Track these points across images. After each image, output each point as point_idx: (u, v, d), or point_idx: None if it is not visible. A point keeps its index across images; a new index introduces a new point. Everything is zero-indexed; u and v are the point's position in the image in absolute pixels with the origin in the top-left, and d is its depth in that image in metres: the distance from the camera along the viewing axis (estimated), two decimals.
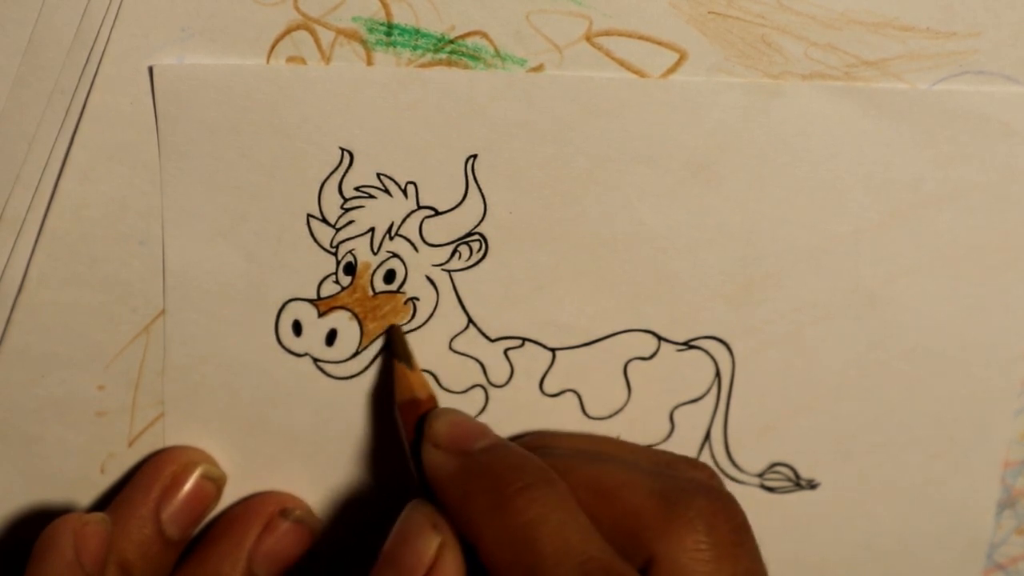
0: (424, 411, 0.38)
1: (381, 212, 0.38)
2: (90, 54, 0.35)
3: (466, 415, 0.39)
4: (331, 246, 0.38)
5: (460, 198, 0.38)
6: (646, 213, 0.39)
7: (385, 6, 0.35)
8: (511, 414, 0.41)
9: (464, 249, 0.39)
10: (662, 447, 0.42)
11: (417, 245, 0.39)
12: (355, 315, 0.39)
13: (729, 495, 0.37)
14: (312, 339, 0.39)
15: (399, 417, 0.39)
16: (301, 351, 0.40)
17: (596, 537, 0.35)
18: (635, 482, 0.36)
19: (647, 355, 0.41)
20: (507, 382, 0.41)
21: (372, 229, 0.38)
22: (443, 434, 0.37)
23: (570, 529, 0.34)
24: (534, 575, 0.34)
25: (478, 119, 0.37)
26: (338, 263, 0.38)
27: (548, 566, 0.33)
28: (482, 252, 0.39)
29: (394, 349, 0.39)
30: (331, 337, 0.39)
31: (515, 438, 0.41)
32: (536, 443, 0.40)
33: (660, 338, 0.41)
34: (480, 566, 0.35)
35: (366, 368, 0.40)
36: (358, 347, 0.40)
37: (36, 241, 0.37)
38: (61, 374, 0.38)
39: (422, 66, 0.36)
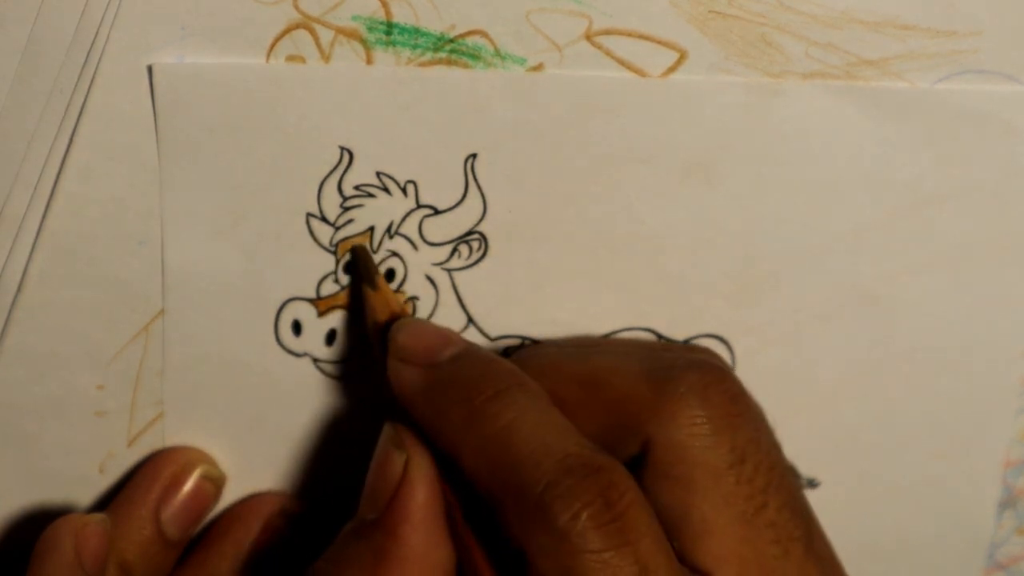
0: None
1: (381, 211, 0.38)
2: (89, 53, 0.35)
3: (430, 323, 0.37)
4: (331, 245, 0.38)
5: (460, 197, 0.38)
6: (646, 212, 0.39)
7: (385, 5, 0.35)
8: None
9: (464, 248, 0.39)
10: None
11: (417, 244, 0.39)
12: None
13: (723, 367, 0.35)
14: (312, 339, 0.39)
15: (372, 341, 0.38)
16: (301, 351, 0.39)
17: (573, 433, 0.33)
18: (624, 368, 0.35)
19: None
20: None
21: (372, 228, 0.38)
22: (407, 347, 0.36)
23: (546, 429, 0.33)
24: (514, 479, 0.32)
25: (478, 118, 0.37)
26: (337, 262, 0.38)
27: (527, 469, 0.32)
28: (482, 251, 0.39)
29: (360, 272, 0.38)
30: (331, 337, 0.39)
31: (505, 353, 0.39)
32: (526, 352, 0.39)
33: (660, 336, 0.41)
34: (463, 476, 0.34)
35: (367, 368, 0.40)
36: None
37: (36, 241, 0.37)
38: (61, 373, 0.38)
39: (422, 65, 0.36)
